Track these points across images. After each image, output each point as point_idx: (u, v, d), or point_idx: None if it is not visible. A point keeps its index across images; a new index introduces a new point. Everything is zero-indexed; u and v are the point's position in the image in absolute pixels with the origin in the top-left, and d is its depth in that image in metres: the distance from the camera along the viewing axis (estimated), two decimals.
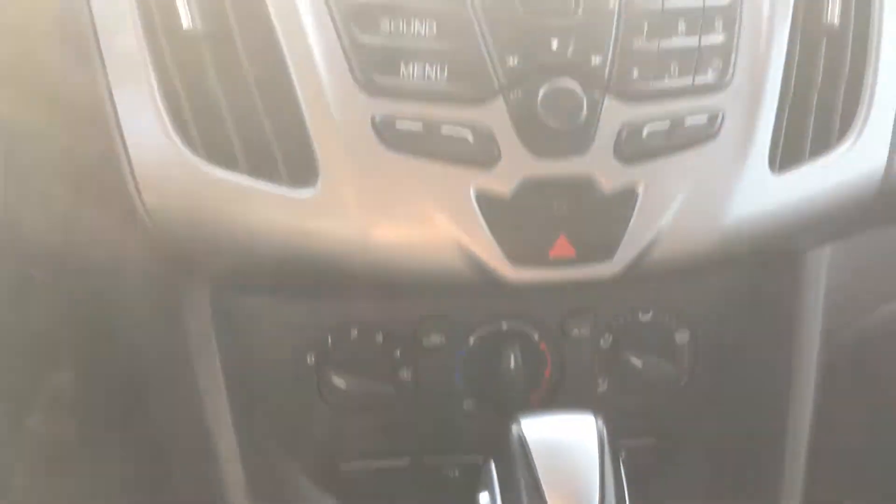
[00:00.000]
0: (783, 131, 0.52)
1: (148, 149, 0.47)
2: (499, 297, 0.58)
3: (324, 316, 0.60)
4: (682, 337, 0.64)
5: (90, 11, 0.47)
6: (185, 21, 0.46)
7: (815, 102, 0.53)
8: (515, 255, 0.48)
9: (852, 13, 0.54)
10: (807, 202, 0.53)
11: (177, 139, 0.47)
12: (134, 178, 0.48)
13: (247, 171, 0.47)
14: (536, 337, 0.62)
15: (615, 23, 0.48)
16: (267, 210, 0.48)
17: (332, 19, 0.46)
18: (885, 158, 0.55)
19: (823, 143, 0.54)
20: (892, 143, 0.55)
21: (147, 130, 0.47)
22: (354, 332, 0.60)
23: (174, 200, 0.48)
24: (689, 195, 0.50)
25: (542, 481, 0.45)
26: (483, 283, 0.49)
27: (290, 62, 0.46)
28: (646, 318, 0.63)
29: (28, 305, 0.61)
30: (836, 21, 0.53)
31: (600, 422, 0.48)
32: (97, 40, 0.47)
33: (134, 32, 0.46)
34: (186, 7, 0.46)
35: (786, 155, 0.52)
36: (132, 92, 0.47)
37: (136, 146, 0.47)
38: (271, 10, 0.46)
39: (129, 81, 0.47)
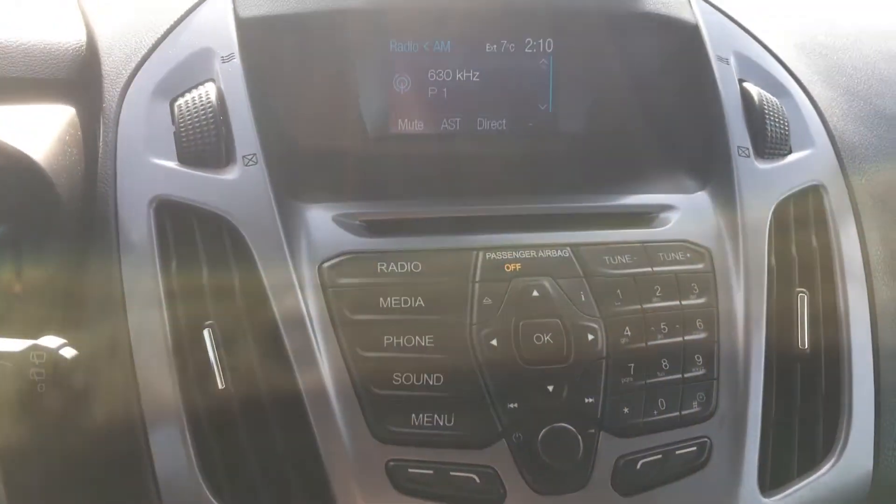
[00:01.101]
0: (770, 453, 0.56)
1: (178, 492, 0.52)
2: None
3: None
4: None
5: (132, 361, 0.54)
6: (220, 382, 0.52)
7: (797, 423, 0.58)
8: None
9: (822, 339, 0.60)
10: None
11: (205, 486, 0.52)
12: None
13: None
14: None
15: (604, 366, 0.54)
16: None
17: (351, 377, 0.52)
18: (871, 466, 0.59)
19: (809, 460, 0.58)
20: (875, 451, 0.59)
21: (178, 475, 0.52)
22: None
23: None
24: None
25: None
26: None
27: (312, 417, 0.52)
28: None
29: None
30: (808, 347, 0.59)
31: None
32: (138, 392, 0.53)
33: (171, 386, 0.52)
34: (220, 371, 0.53)
35: (775, 476, 0.56)
36: (166, 438, 0.52)
37: (168, 490, 0.52)
38: (297, 372, 0.52)
39: (163, 428, 0.52)
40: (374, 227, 0.57)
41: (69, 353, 0.46)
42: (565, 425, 0.52)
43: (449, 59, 0.66)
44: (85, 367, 0.48)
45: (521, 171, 0.65)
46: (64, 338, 0.48)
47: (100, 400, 0.52)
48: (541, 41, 0.67)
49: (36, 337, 0.46)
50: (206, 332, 0.53)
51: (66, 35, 0.65)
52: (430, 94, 0.66)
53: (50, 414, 0.45)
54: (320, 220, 0.57)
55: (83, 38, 0.65)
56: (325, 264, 0.55)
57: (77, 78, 0.63)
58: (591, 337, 0.54)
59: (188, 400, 0.52)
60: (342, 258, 0.55)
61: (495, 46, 0.67)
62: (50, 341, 0.46)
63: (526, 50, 0.67)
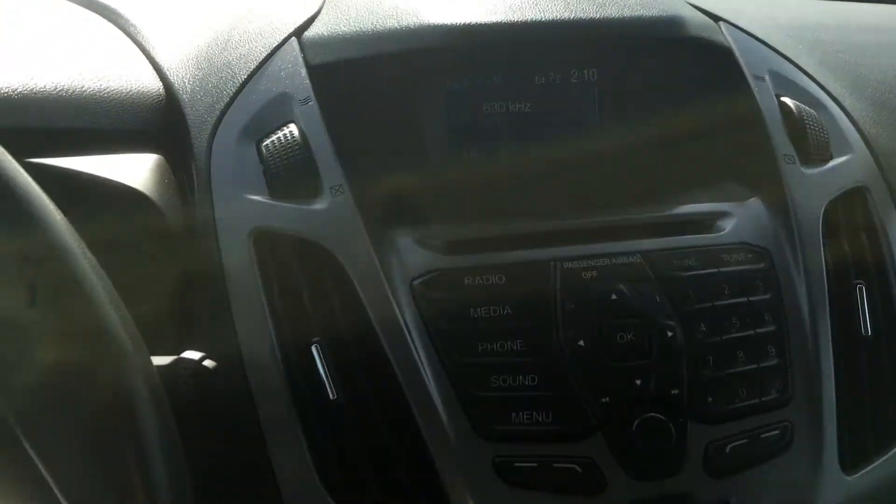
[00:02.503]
0: (846, 435, 0.62)
1: (298, 496, 0.58)
2: None
3: None
4: None
5: (246, 381, 0.59)
6: (331, 393, 0.58)
7: (868, 405, 0.64)
8: None
9: (882, 325, 0.66)
10: (886, 493, 0.62)
11: (323, 489, 0.57)
12: None
13: None
14: None
15: (684, 360, 0.59)
16: None
17: (451, 382, 0.58)
18: None
19: (884, 439, 0.63)
20: None
21: (297, 481, 0.58)
22: None
23: None
24: (777, 502, 0.59)
25: None
26: None
27: (419, 420, 0.57)
28: None
29: None
30: (870, 333, 0.65)
31: None
32: (255, 409, 0.59)
33: (285, 401, 0.58)
34: (330, 383, 0.58)
35: (853, 456, 0.62)
36: (284, 449, 0.58)
37: (289, 494, 0.58)
38: (401, 380, 0.58)
39: (281, 439, 0.58)
40: (456, 247, 0.63)
41: (210, 364, 0.51)
42: (656, 415, 0.58)
43: (502, 92, 0.73)
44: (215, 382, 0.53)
45: (580, 189, 0.72)
46: None
47: (224, 415, 0.57)
48: (585, 71, 0.74)
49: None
50: (313, 349, 0.59)
51: (145, 87, 0.72)
52: (487, 124, 0.73)
53: (197, 423, 0.49)
54: (406, 242, 0.63)
55: (162, 91, 0.72)
56: (416, 282, 0.61)
57: (161, 129, 0.70)
58: (669, 333, 0.60)
59: (302, 412, 0.58)
60: (431, 275, 0.61)
61: (544, 78, 0.74)
62: (192, 354, 0.51)
63: (572, 80, 0.74)
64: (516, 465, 0.57)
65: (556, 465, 0.57)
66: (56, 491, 0.39)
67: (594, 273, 0.62)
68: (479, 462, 0.57)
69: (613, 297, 0.61)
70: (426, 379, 0.58)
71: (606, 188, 0.71)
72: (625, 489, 0.57)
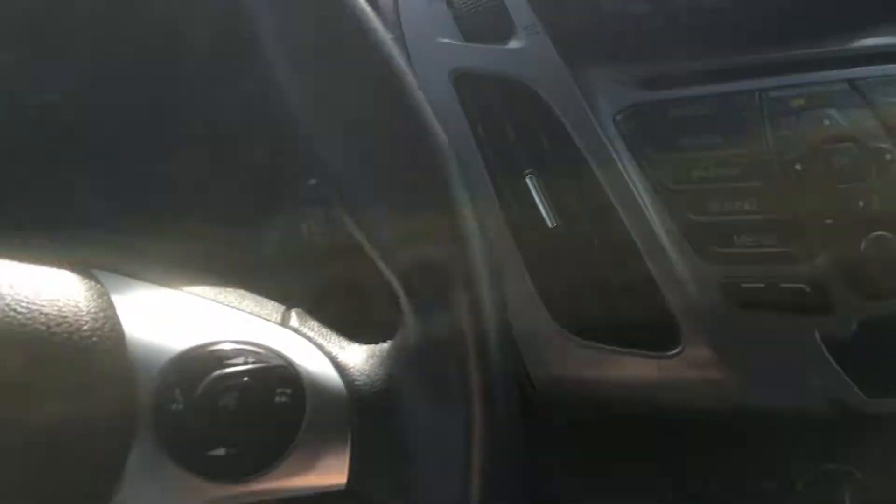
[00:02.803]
0: None
1: (529, 329, 0.59)
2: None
3: None
4: None
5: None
6: (549, 221, 0.58)
7: None
8: (868, 389, 0.56)
9: None
10: None
11: (551, 319, 0.58)
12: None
13: (615, 344, 0.57)
14: None
15: None
16: (638, 372, 0.57)
17: (668, 207, 0.58)
18: None
19: None
20: None
21: (525, 313, 0.59)
22: None
23: (554, 370, 0.59)
24: None
25: None
26: (841, 417, 0.56)
27: (640, 245, 0.57)
28: None
29: None
30: None
31: None
32: None
33: (504, 232, 0.59)
34: (548, 212, 0.58)
35: None
36: (510, 283, 0.59)
37: (519, 329, 0.59)
38: (617, 205, 0.58)
39: (506, 275, 0.59)
40: (657, 82, 0.62)
41: None
42: (884, 233, 0.57)
43: None
44: None
45: (775, 24, 0.69)
46: None
47: None
48: None
49: None
50: (528, 179, 0.59)
51: None
52: None
53: None
54: (604, 79, 0.62)
55: None
56: (618, 116, 0.60)
57: None
58: (888, 157, 0.58)
59: (522, 242, 0.58)
60: (634, 108, 0.61)
61: None
62: None
63: None
64: (743, 285, 0.57)
65: (783, 285, 0.57)
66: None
67: (802, 101, 0.60)
68: (706, 284, 0.57)
69: (826, 122, 0.59)
70: (643, 206, 0.57)
71: (801, 22, 0.69)
72: (854, 308, 0.56)
